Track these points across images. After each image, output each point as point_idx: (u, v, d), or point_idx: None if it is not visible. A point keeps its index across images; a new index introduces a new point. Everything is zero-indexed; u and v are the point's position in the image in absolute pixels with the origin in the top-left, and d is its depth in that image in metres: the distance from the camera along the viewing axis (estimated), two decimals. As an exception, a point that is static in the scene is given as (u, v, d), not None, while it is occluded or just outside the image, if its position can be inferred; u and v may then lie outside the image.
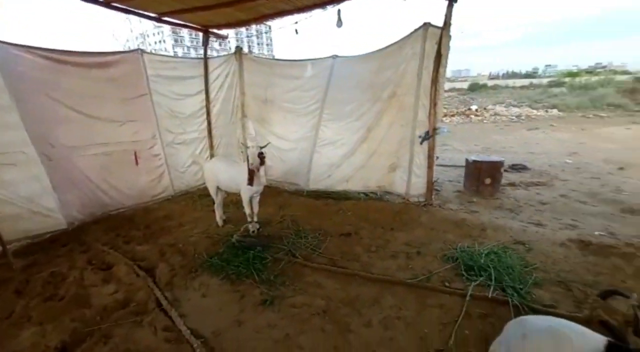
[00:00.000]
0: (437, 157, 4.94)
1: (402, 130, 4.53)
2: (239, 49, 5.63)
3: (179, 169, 5.43)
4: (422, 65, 4.12)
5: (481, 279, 2.70)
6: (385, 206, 4.51)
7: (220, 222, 4.15)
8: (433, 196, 4.53)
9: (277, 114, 5.58)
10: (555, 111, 16.34)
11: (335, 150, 5.11)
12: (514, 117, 15.38)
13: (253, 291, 2.74)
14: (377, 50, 4.50)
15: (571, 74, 30.20)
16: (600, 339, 1.72)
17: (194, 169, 5.54)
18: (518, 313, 2.24)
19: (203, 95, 5.55)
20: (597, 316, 2.21)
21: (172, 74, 5.14)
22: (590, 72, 32.29)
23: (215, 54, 5.84)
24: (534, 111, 16.64)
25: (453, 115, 16.83)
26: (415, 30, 4.12)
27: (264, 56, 14.84)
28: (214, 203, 4.14)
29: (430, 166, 4.29)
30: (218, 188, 4.04)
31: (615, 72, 31.45)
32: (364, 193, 5.02)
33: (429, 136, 4.17)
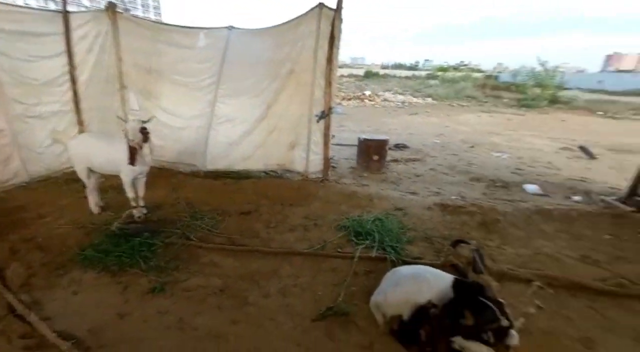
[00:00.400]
0: (333, 136, 5.26)
1: (300, 108, 4.63)
2: (111, 6, 4.74)
3: (35, 149, 4.39)
4: (318, 45, 4.24)
5: (367, 242, 3.06)
6: (285, 183, 4.61)
7: (95, 210, 3.57)
8: (329, 172, 4.83)
9: (166, 87, 4.99)
10: (430, 100, 19.14)
11: (234, 128, 4.90)
12: (399, 103, 17.40)
13: (139, 280, 2.49)
14: (275, 26, 4.42)
15: (442, 69, 35.67)
16: (450, 277, 2.18)
17: (56, 149, 4.55)
18: (394, 266, 2.63)
19: (65, 59, 4.52)
20: (449, 260, 2.77)
21: (17, 28, 4.01)
22: (456, 68, 38.87)
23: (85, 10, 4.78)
24: (415, 99, 19.16)
25: (350, 99, 18.02)
26: (312, 9, 4.18)
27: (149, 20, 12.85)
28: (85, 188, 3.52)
29: (326, 144, 4.54)
30: (90, 170, 3.43)
31: (473, 70, 38.62)
32: (264, 172, 5.01)
33: (325, 115, 4.38)
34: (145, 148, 3.15)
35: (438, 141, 8.33)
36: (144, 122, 3.10)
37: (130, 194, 3.36)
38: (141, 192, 3.45)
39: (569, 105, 16.86)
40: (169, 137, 5.01)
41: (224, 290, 2.40)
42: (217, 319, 2.12)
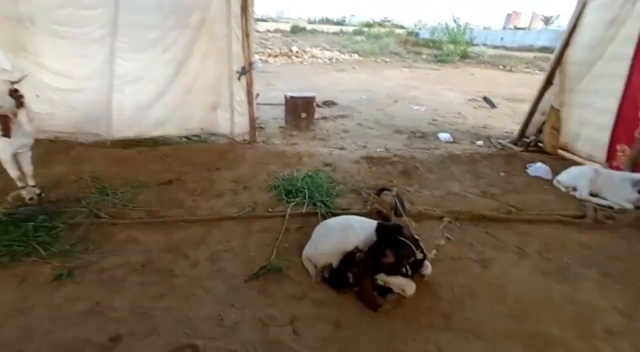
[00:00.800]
0: (258, 95, 5.00)
1: (218, 64, 4.22)
2: None
3: None
4: (230, -10, 3.79)
5: (298, 199, 3.09)
6: (210, 147, 4.32)
7: (-33, 196, 2.92)
8: (257, 133, 4.64)
9: (46, 41, 4.05)
10: (356, 56, 19.25)
11: (143, 89, 4.29)
12: (327, 60, 17.17)
13: (40, 269, 2.16)
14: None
15: (368, 25, 35.72)
16: (374, 223, 2.33)
17: None
18: (324, 220, 2.71)
19: None
20: (375, 208, 2.96)
21: None
22: (380, 24, 39.27)
23: None
24: (342, 55, 19.06)
25: (277, 56, 17.16)
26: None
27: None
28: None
29: (250, 103, 4.29)
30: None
31: (396, 26, 39.48)
32: (185, 137, 4.60)
33: (246, 71, 4.07)
34: (21, 115, 2.58)
35: (365, 97, 8.53)
36: (13, 83, 2.51)
37: (13, 172, 2.79)
38: (28, 169, 2.89)
39: (477, 60, 18.57)
40: (59, 103, 4.20)
41: (146, 265, 2.23)
42: (141, 295, 1.98)
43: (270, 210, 2.96)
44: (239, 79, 4.17)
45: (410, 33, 30.43)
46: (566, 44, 4.49)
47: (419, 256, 2.08)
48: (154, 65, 4.21)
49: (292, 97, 5.41)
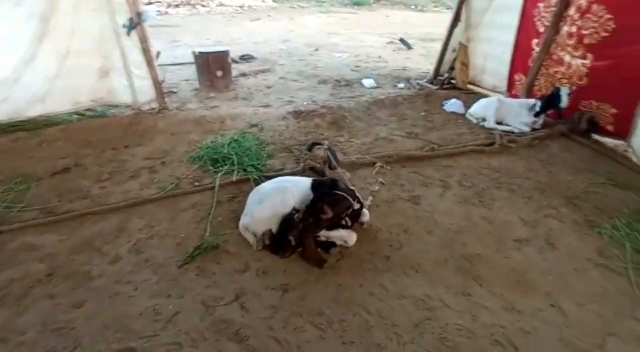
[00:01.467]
0: (159, 53, 4.31)
1: (97, 18, 3.44)
2: None
3: None
4: None
5: (226, 168, 2.85)
6: (112, 122, 3.69)
7: None
8: (168, 99, 4.08)
9: None
10: (271, 2, 17.71)
11: (1, 57, 3.36)
12: (238, 8, 15.50)
13: None
14: None
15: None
16: (308, 181, 2.26)
17: None
18: (258, 185, 2.56)
19: None
20: (308, 164, 2.88)
21: None
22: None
23: None
24: (255, 2, 17.35)
25: (178, 6, 14.91)
26: None
27: None
28: None
29: (150, 63, 3.66)
30: None
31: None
32: (76, 113, 3.82)
33: (135, 24, 3.39)
34: None
35: (285, 48, 8.01)
36: None
37: None
38: None
39: (391, 1, 18.54)
40: None
41: (54, 273, 1.88)
42: (53, 310, 1.68)
43: (197, 184, 2.69)
44: (128, 34, 3.47)
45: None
46: (470, -21, 4.60)
47: (357, 206, 2.10)
48: (8, 24, 3.27)
49: (202, 54, 4.78)
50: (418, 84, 5.33)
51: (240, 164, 2.88)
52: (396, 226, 2.29)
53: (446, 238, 2.19)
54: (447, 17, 5.13)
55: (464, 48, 4.88)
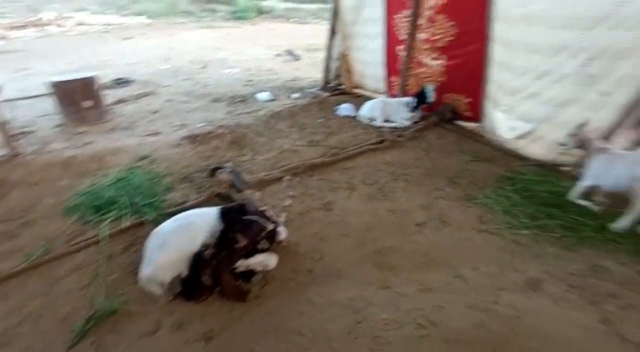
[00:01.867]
0: (0, 85, 3.49)
1: None
2: None
3: None
4: None
5: (114, 213, 2.45)
6: None
7: None
8: (22, 142, 3.32)
9: None
10: (143, 18, 16.25)
11: None
12: (103, 27, 13.76)
13: None
14: None
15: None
16: (215, 210, 2.09)
17: None
18: (157, 226, 2.27)
19: None
20: (213, 192, 2.70)
21: None
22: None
23: None
24: (123, 19, 15.68)
25: (21, 28, 12.43)
26: None
27: None
28: None
29: (-17, 103, 2.92)
30: None
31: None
32: None
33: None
34: None
35: (167, 67, 7.42)
36: None
37: None
38: None
39: (272, 14, 19.04)
40: None
41: None
42: None
43: (75, 242, 2.23)
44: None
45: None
46: (337, -6, 5.02)
47: (270, 226, 2.04)
48: None
49: (60, 83, 4.04)
50: (310, 92, 5.56)
51: (132, 205, 2.51)
52: (312, 236, 2.30)
53: (359, 237, 2.30)
54: (326, 28, 5.48)
55: (344, 56, 5.30)
